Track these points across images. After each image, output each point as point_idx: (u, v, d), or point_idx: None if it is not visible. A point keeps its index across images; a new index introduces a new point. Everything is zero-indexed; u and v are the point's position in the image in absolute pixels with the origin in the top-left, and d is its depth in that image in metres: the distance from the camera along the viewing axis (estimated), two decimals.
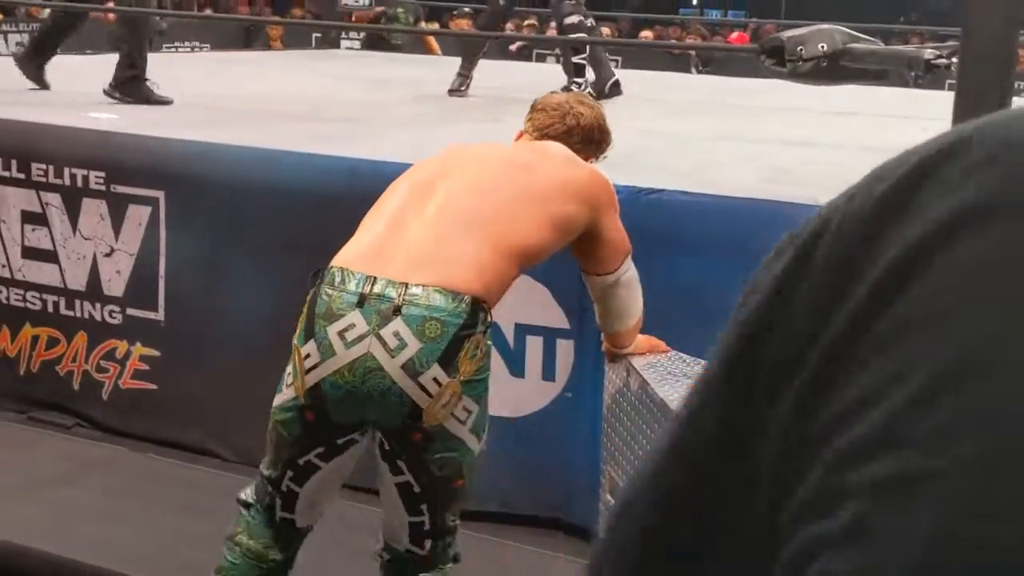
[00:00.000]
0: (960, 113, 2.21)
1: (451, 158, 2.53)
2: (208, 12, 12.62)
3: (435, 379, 2.21)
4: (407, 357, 2.20)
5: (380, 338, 2.21)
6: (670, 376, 2.50)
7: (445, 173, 2.44)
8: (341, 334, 2.23)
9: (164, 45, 10.06)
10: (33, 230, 3.95)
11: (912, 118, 5.51)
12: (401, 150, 3.91)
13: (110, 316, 3.88)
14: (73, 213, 3.87)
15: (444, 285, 2.24)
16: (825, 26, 2.95)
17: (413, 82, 6.57)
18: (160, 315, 3.80)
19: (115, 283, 3.86)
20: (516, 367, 3.36)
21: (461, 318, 2.23)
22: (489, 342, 2.32)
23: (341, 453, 2.31)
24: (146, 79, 4.86)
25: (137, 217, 3.80)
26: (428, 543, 2.36)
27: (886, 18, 9.59)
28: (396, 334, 2.21)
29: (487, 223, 2.34)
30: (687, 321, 3.04)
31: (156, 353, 3.80)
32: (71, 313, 3.92)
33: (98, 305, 3.89)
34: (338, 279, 2.27)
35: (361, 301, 2.23)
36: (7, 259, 4.00)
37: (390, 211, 2.40)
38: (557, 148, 2.57)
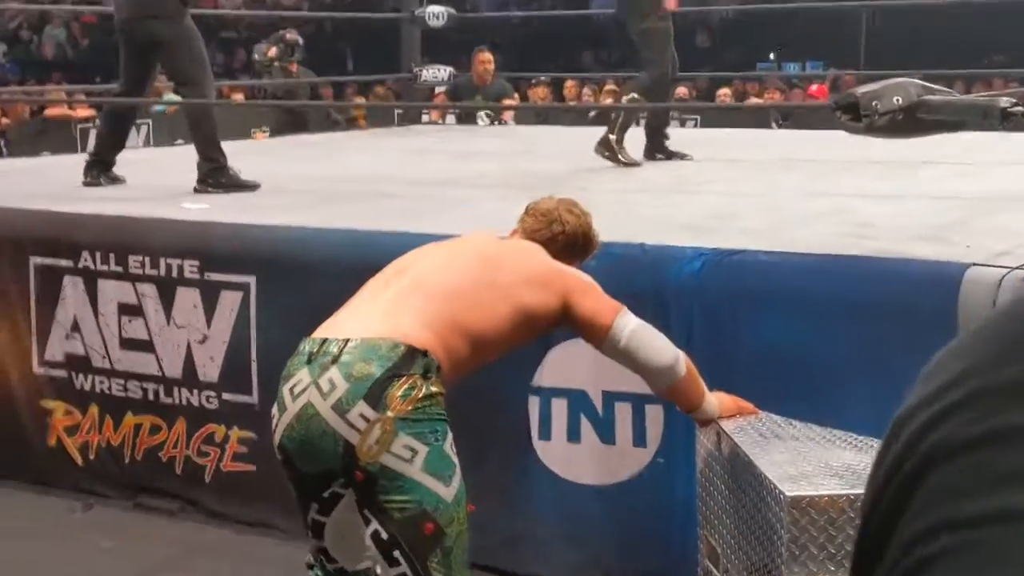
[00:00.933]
0: None
1: (430, 247, 2.76)
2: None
3: (362, 415, 2.34)
4: (336, 397, 2.36)
5: (318, 386, 2.38)
6: (761, 438, 2.50)
7: (420, 259, 2.67)
8: (291, 390, 2.43)
9: (251, 128, 10.29)
10: (130, 321, 4.06)
11: (997, 164, 5.47)
12: (489, 222, 3.97)
13: (207, 401, 3.96)
14: (167, 302, 3.97)
15: (382, 336, 2.41)
16: (899, 79, 2.95)
17: (494, 154, 6.65)
18: (254, 398, 3.87)
19: (210, 369, 3.95)
20: (606, 434, 3.37)
21: (391, 360, 2.37)
22: (435, 387, 2.40)
23: (334, 507, 2.42)
24: (228, 167, 4.98)
25: (229, 303, 3.89)
26: None
27: (969, 62, 9.52)
28: (330, 380, 2.38)
29: (446, 300, 2.51)
30: (775, 380, 3.04)
31: (253, 435, 3.87)
32: (170, 400, 4.01)
33: (195, 391, 3.97)
34: (299, 347, 2.49)
35: (310, 359, 2.42)
36: (107, 351, 4.11)
37: (365, 289, 2.62)
38: (527, 245, 2.77)
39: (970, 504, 0.42)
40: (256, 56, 9.04)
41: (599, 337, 2.63)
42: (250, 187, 4.94)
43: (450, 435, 2.43)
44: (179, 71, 5.21)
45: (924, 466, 0.44)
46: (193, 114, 5.22)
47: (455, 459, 2.43)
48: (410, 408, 2.36)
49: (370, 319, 2.47)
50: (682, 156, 5.97)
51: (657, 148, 6.03)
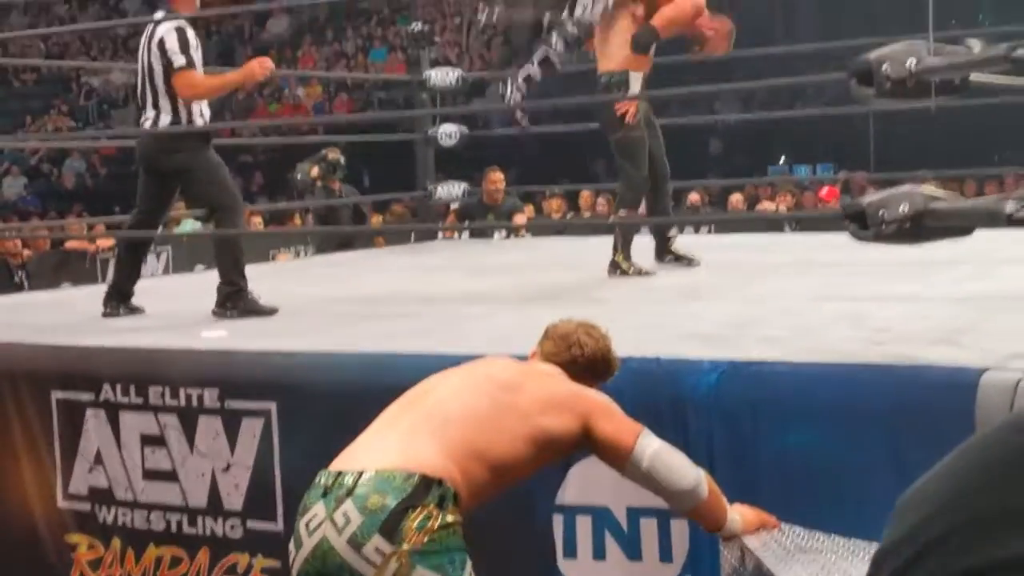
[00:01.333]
0: None
1: (449, 372, 2.78)
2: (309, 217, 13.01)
3: (377, 548, 2.34)
4: (351, 531, 2.36)
5: (332, 521, 2.39)
6: (785, 553, 2.49)
7: (438, 385, 2.69)
8: (307, 524, 2.44)
9: (269, 251, 10.40)
10: (153, 452, 4.07)
11: (1011, 262, 5.48)
12: (506, 341, 3.99)
13: (231, 530, 3.95)
14: (190, 432, 3.99)
15: (396, 467, 2.42)
16: (905, 187, 2.99)
17: (510, 268, 6.69)
18: (279, 525, 3.86)
19: (234, 497, 3.95)
20: (632, 551, 3.34)
21: (405, 492, 2.37)
22: (451, 516, 2.41)
23: None
24: (248, 291, 5.03)
25: (251, 430, 3.90)
26: None
27: (979, 160, 9.58)
28: (344, 514, 2.38)
29: (464, 427, 2.52)
30: (797, 491, 3.03)
31: (277, 564, 3.85)
32: (193, 530, 4.00)
33: (219, 519, 3.97)
34: (316, 480, 2.51)
35: (325, 492, 2.44)
36: (130, 482, 4.11)
37: (383, 416, 2.65)
38: (546, 368, 2.80)
39: None
40: (298, 175, 9.16)
41: (621, 460, 2.63)
42: (267, 312, 4.98)
43: (469, 564, 2.43)
44: (208, 198, 5.29)
45: None
46: (221, 238, 5.29)
47: None
48: (426, 540, 2.35)
49: (385, 449, 2.48)
50: (689, 260, 6.04)
51: (663, 250, 6.12)
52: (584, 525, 3.43)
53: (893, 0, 15.04)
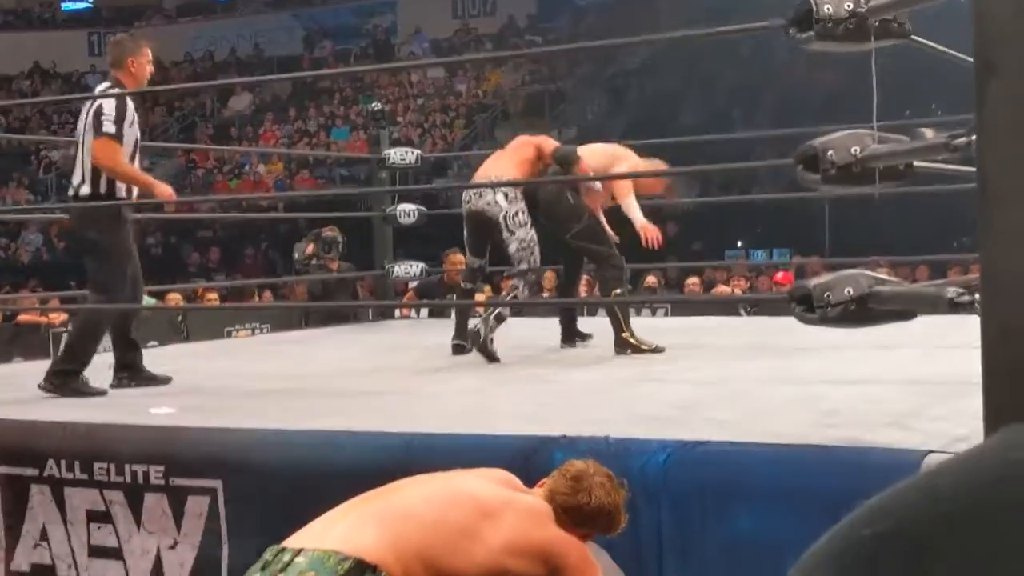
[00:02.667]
0: (988, 345, 2.24)
1: (434, 476, 2.71)
2: (268, 295, 12.98)
3: None
4: None
5: None
6: None
7: (416, 484, 2.65)
8: None
9: (225, 328, 10.35)
10: (99, 528, 4.01)
11: (962, 346, 5.53)
12: (457, 420, 3.98)
13: None
14: (136, 508, 3.93)
15: (334, 548, 2.38)
16: (851, 271, 3.02)
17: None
18: None
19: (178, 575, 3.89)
20: None
21: (335, 573, 2.34)
22: None
23: None
24: (83, 376, 5.03)
25: (197, 508, 3.85)
26: None
27: (935, 246, 9.70)
28: None
29: (422, 531, 2.48)
30: (744, 572, 3.02)
31: None
32: None
33: None
34: (263, 555, 2.49)
35: (264, 567, 2.43)
36: (74, 559, 4.04)
37: (348, 503, 2.61)
38: (535, 505, 2.67)
39: None
40: (296, 255, 9.17)
41: None
42: (99, 393, 4.99)
43: None
44: (96, 277, 5.22)
45: None
46: (87, 319, 5.27)
47: None
48: None
49: (333, 531, 2.46)
50: (585, 338, 6.26)
51: (570, 334, 6.32)
52: None
53: (851, 89, 15.30)
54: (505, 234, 5.91)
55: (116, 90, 5.21)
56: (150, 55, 5.36)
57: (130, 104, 5.19)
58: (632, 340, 5.80)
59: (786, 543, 3.13)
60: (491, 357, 5.67)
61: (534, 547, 2.56)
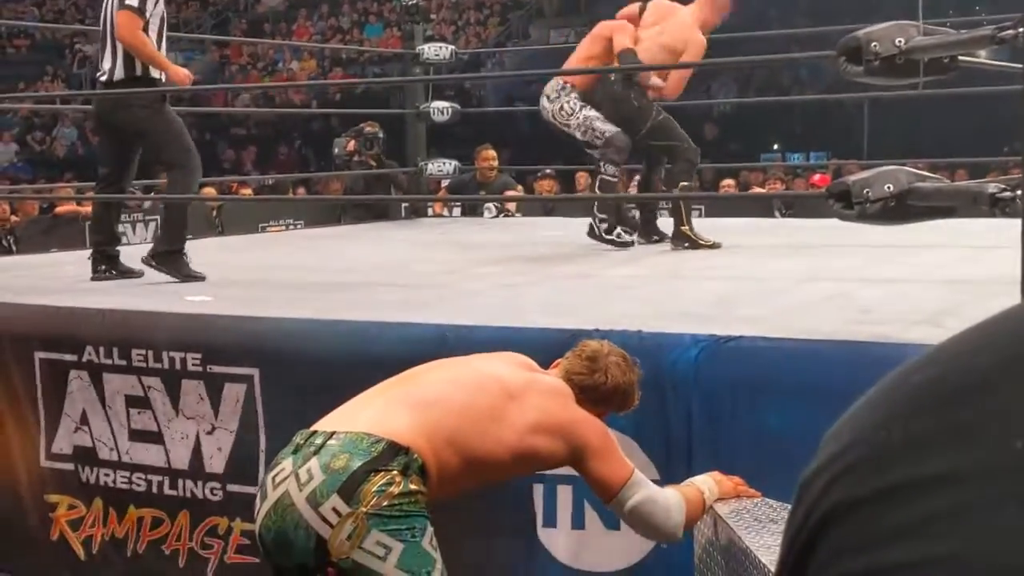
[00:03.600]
0: None
1: (459, 360, 2.77)
2: (302, 191, 12.99)
3: (334, 509, 2.33)
4: (311, 488, 2.35)
5: (297, 476, 2.38)
6: (756, 523, 2.50)
7: (440, 368, 2.69)
8: (273, 478, 2.44)
9: (259, 224, 10.39)
10: (139, 413, 4.07)
11: (998, 247, 5.50)
12: (489, 313, 4.00)
13: (211, 493, 3.96)
14: (173, 395, 3.99)
15: (366, 431, 2.41)
16: (890, 167, 3.00)
17: (499, 245, 6.70)
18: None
19: (216, 460, 3.95)
20: (610, 520, 3.36)
21: (369, 455, 2.36)
22: (414, 486, 2.39)
23: None
24: (186, 256, 5.12)
25: (234, 395, 3.90)
26: None
27: (972, 152, 9.57)
28: (308, 471, 2.37)
29: (449, 415, 2.50)
30: (772, 466, 3.04)
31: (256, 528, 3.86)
32: (174, 493, 4.01)
33: (200, 483, 3.98)
34: (293, 438, 2.51)
35: (296, 449, 2.44)
36: (115, 442, 4.11)
37: (377, 387, 2.64)
38: (555, 390, 2.69)
39: (860, 559, 0.47)
40: (336, 150, 9.15)
41: (603, 499, 2.69)
42: (197, 278, 5.04)
43: (430, 531, 2.41)
44: (165, 156, 5.30)
45: (823, 524, 0.49)
46: (173, 200, 5.36)
47: (436, 555, 2.41)
48: (384, 504, 2.34)
49: (363, 415, 2.49)
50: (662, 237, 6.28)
51: (650, 230, 6.37)
52: (564, 495, 3.45)
53: None
54: (566, 131, 5.96)
55: None
56: None
57: None
58: (691, 234, 5.90)
59: (816, 439, 3.15)
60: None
61: (557, 425, 2.59)
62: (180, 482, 4.01)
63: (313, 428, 2.51)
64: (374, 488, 2.34)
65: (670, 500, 2.66)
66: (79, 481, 4.18)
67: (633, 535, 3.32)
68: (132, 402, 4.08)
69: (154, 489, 4.05)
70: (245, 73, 20.52)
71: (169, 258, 5.09)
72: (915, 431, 0.48)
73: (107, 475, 4.14)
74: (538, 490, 3.48)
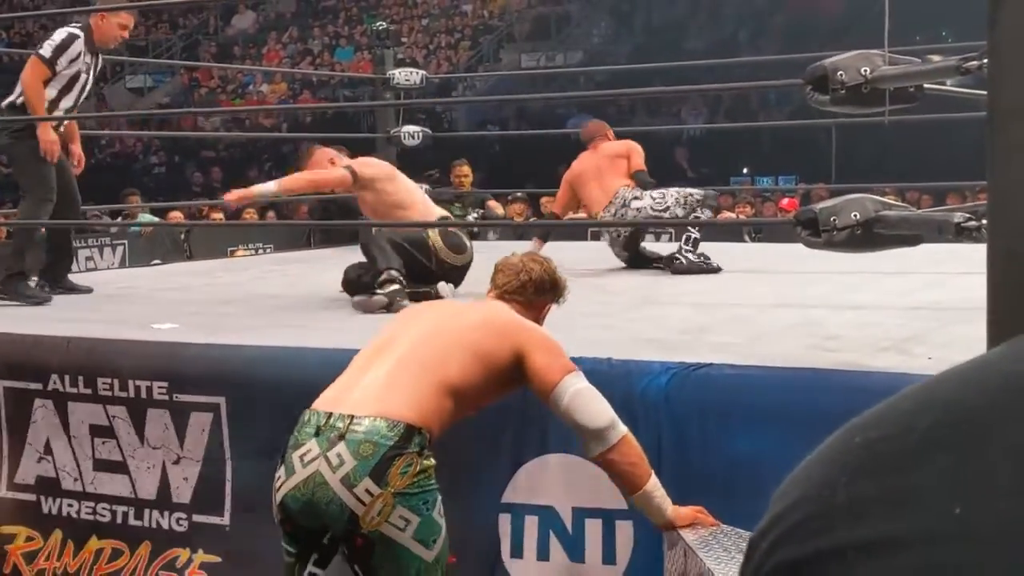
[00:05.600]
0: (993, 270, 2.23)
1: (414, 315, 3.19)
2: (272, 216, 12.93)
3: (367, 490, 2.70)
4: (344, 472, 2.71)
5: (327, 459, 2.73)
6: (726, 555, 2.49)
7: (407, 327, 3.03)
8: (301, 457, 2.77)
9: (228, 248, 10.35)
10: (103, 443, 4.02)
11: (964, 273, 5.52)
12: None
13: (177, 524, 3.91)
14: (139, 424, 3.94)
15: (382, 415, 2.75)
16: (857, 195, 3.00)
17: (472, 269, 6.66)
18: (226, 519, 3.83)
19: (183, 490, 3.91)
20: (575, 552, 3.34)
21: (392, 440, 2.72)
22: (428, 461, 2.77)
23: (331, 558, 2.78)
24: (28, 277, 5.34)
25: (200, 424, 3.87)
26: None
27: (939, 176, 9.63)
28: (338, 455, 2.73)
29: (427, 366, 2.85)
30: (742, 493, 3.03)
31: (218, 559, 3.82)
32: (139, 523, 3.96)
33: (166, 513, 3.93)
34: (305, 419, 2.84)
35: (318, 432, 2.77)
36: (79, 472, 4.06)
37: (360, 360, 2.96)
38: (496, 305, 3.12)
39: None
40: None
41: (545, 394, 2.89)
42: (41, 300, 5.21)
43: (439, 501, 2.79)
44: (22, 182, 5.63)
45: None
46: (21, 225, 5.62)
47: (442, 522, 2.80)
48: (407, 483, 2.72)
49: (370, 395, 2.79)
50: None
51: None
52: (531, 525, 3.43)
53: (858, 16, 15.17)
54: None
55: (75, 28, 5.46)
56: (128, 21, 5.60)
57: (80, 47, 5.39)
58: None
59: (784, 466, 3.14)
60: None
61: (500, 326, 2.95)
62: (146, 512, 3.96)
63: (327, 409, 2.80)
64: (399, 471, 2.70)
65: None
66: (40, 512, 4.13)
67: (596, 568, 3.31)
68: (97, 431, 4.04)
69: (118, 519, 4.00)
70: (214, 96, 20.48)
71: (9, 283, 5.26)
72: (856, 494, 0.48)
73: (70, 505, 4.09)
74: (505, 519, 3.46)
